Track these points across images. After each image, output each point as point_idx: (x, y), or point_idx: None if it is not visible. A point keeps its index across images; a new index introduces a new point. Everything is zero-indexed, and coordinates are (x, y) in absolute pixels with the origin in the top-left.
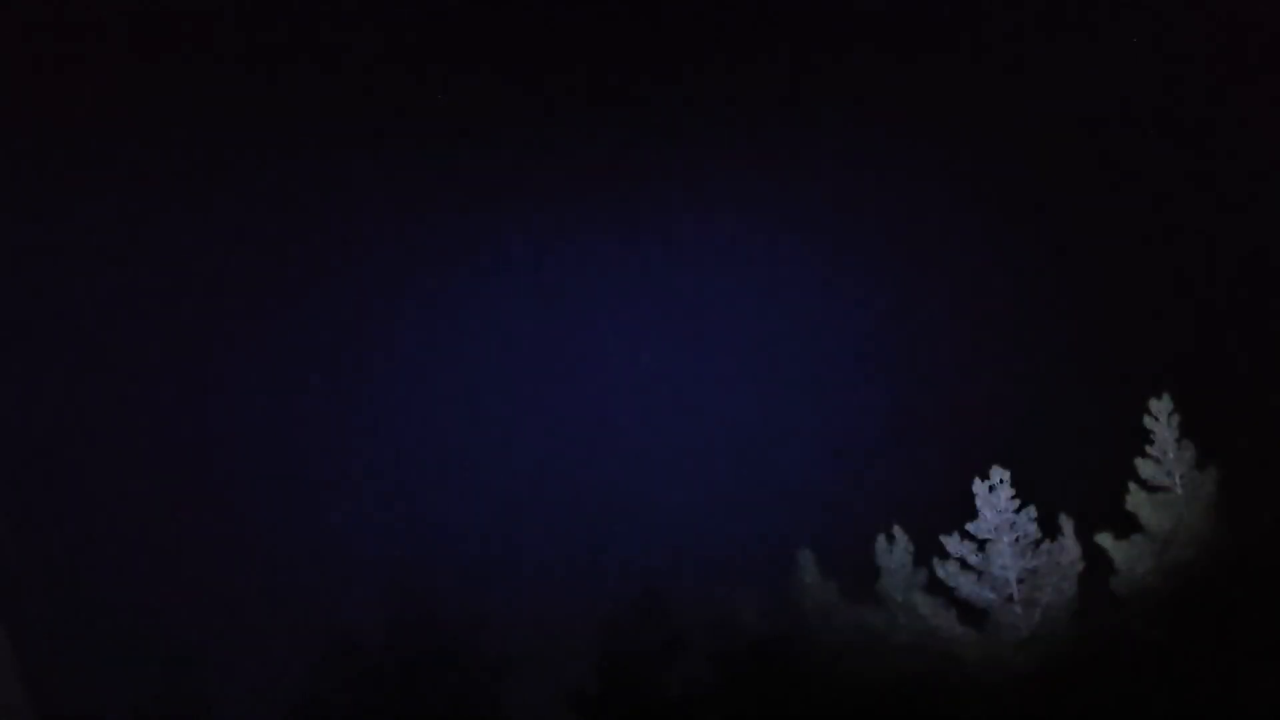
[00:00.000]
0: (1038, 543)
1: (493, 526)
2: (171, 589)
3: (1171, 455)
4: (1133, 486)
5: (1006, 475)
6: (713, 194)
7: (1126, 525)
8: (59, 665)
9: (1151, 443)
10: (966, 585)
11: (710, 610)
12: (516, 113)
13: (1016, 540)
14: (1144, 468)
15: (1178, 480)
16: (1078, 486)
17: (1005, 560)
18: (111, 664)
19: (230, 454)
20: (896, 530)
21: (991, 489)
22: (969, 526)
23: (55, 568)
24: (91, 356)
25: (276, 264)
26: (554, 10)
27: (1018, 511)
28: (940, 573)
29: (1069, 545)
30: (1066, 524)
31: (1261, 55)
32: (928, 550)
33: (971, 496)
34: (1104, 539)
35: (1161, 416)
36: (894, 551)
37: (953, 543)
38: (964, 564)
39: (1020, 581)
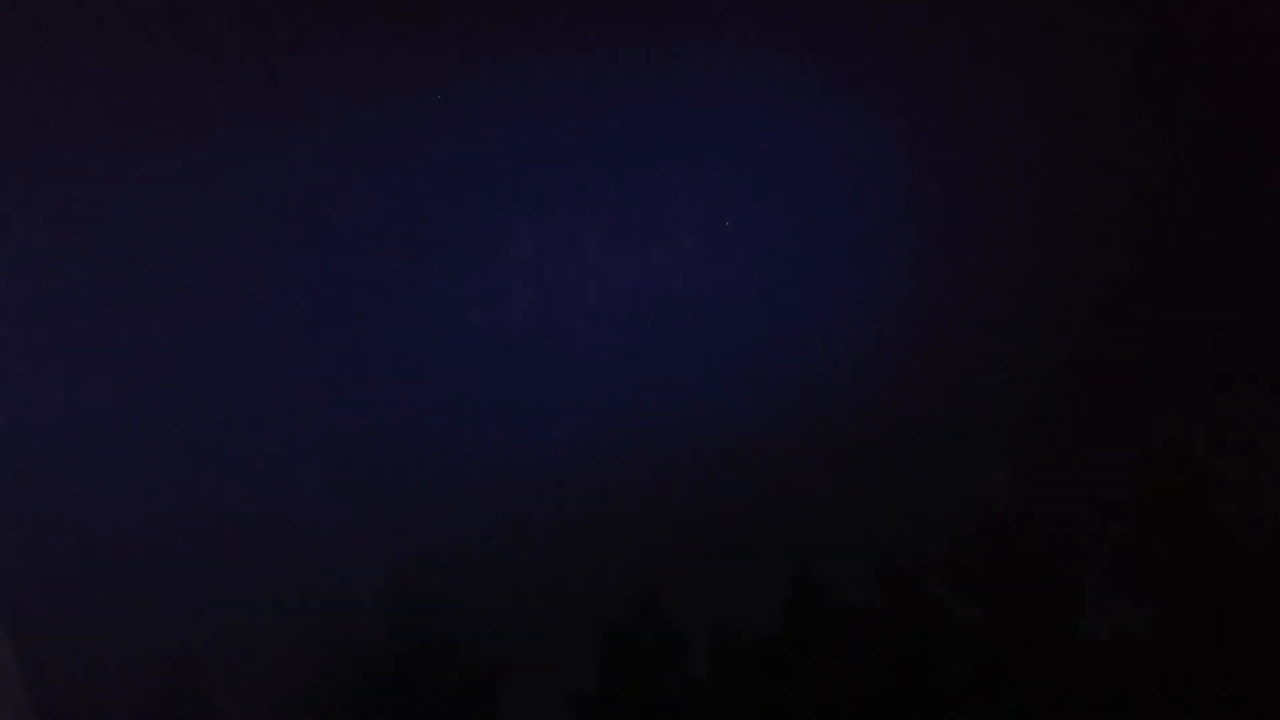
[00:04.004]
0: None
1: (493, 527)
2: (171, 589)
3: (1173, 455)
4: (1133, 486)
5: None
6: (700, 190)
7: (1126, 524)
8: (59, 665)
9: (1153, 442)
10: None
11: (710, 610)
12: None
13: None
14: (1145, 467)
15: (1178, 479)
16: (1079, 487)
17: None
18: (111, 664)
19: (230, 453)
20: None
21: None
22: None
23: (55, 568)
24: (91, 355)
25: (275, 257)
26: None
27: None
28: None
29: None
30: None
31: (1262, 55)
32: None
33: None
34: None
35: (1163, 416)
36: None
37: None
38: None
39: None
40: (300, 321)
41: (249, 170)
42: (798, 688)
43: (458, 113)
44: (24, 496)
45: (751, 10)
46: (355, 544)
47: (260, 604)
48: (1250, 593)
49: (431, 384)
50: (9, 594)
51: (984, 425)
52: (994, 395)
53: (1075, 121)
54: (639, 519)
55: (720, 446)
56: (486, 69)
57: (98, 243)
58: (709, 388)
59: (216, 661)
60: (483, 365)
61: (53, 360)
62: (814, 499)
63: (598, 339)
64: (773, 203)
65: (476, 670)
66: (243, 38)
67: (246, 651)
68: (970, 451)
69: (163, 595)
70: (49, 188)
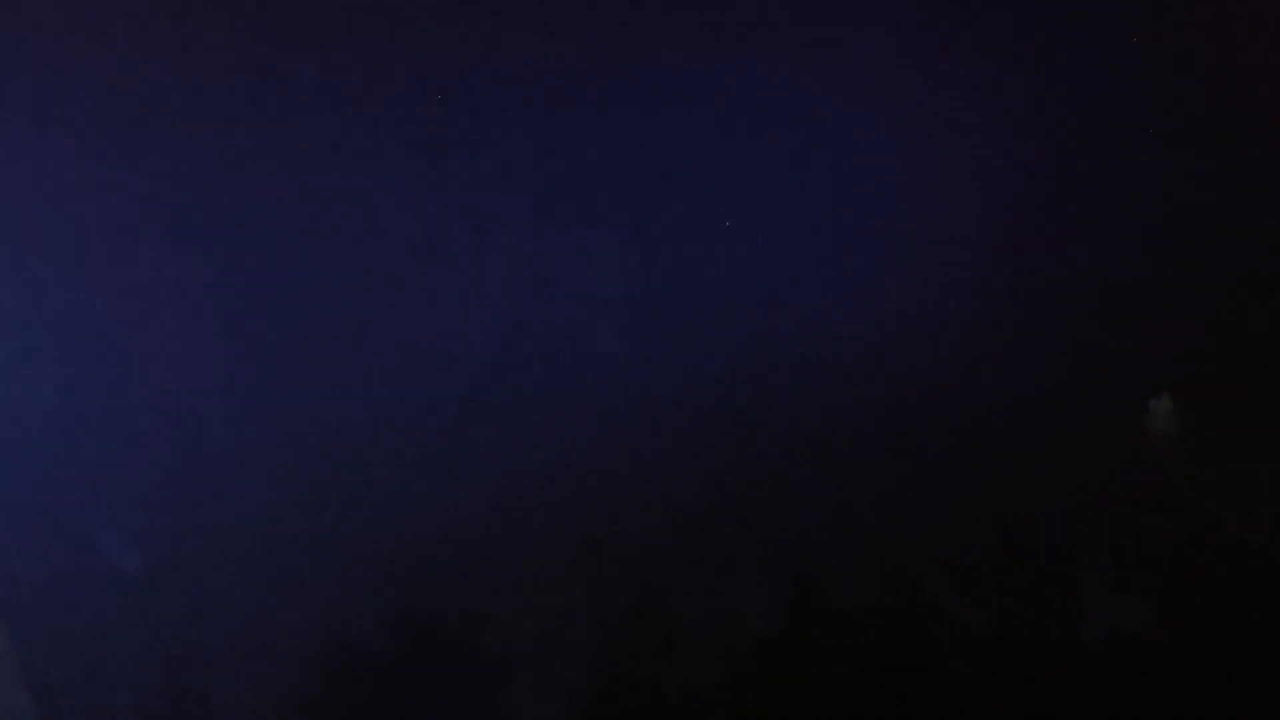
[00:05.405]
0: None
1: (492, 524)
2: (171, 589)
3: (1171, 455)
4: (1133, 486)
5: None
6: (711, 193)
7: (1125, 524)
8: (59, 665)
9: (1153, 443)
10: None
11: (710, 608)
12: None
13: None
14: (1144, 468)
15: (1178, 479)
16: (1079, 487)
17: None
18: (111, 664)
19: (229, 452)
20: None
21: None
22: None
23: (55, 568)
24: (89, 354)
25: (273, 254)
26: None
27: None
28: None
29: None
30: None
31: (1262, 55)
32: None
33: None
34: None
35: (1162, 417)
36: None
37: None
38: None
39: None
40: (300, 318)
41: (245, 170)
42: (798, 687)
43: (457, 112)
44: (24, 496)
45: (749, 9)
46: (354, 543)
47: (260, 603)
48: (1250, 593)
49: (431, 381)
50: (9, 594)
51: (985, 425)
52: (995, 394)
53: (1079, 121)
54: (639, 516)
55: (721, 444)
56: (486, 67)
57: (95, 241)
58: (710, 385)
59: (216, 661)
60: (483, 361)
61: (52, 358)
62: (815, 498)
63: (598, 335)
64: (774, 200)
65: (475, 668)
66: (240, 35)
67: (247, 651)
68: (971, 452)
69: (163, 595)
70: (42, 186)
